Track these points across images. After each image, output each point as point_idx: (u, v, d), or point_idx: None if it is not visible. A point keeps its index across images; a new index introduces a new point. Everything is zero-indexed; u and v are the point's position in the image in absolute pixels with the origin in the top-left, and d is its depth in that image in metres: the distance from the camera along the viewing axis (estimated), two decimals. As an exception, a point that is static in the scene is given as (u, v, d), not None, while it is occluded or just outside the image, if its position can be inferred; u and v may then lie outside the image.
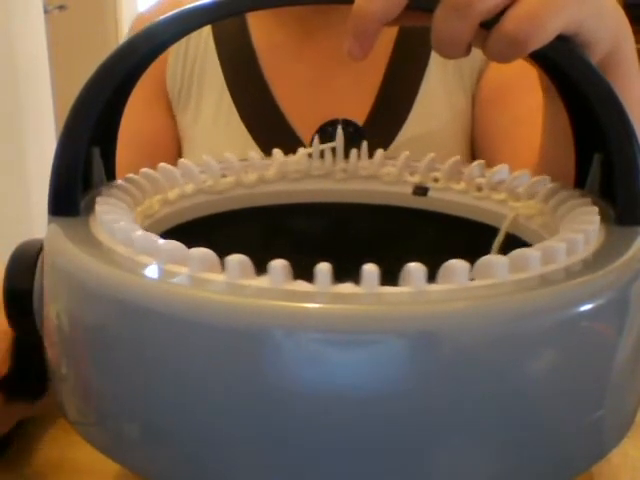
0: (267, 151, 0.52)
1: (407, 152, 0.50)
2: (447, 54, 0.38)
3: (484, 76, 0.73)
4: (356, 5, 0.37)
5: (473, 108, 0.74)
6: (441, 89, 0.73)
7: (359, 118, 0.71)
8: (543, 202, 0.43)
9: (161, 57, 0.74)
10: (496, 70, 0.72)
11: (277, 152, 0.50)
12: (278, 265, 0.29)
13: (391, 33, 0.73)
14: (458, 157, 0.48)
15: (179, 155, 0.80)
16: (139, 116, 0.78)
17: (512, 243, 0.44)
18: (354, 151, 0.51)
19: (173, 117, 0.80)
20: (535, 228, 0.43)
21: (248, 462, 0.30)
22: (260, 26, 0.76)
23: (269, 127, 0.74)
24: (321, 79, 0.74)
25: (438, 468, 0.30)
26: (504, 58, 0.37)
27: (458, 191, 0.48)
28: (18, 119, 2.10)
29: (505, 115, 0.70)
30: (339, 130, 0.50)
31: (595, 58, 0.40)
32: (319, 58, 0.74)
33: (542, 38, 0.36)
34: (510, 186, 0.46)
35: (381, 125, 0.72)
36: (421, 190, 0.46)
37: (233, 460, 0.30)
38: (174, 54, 0.77)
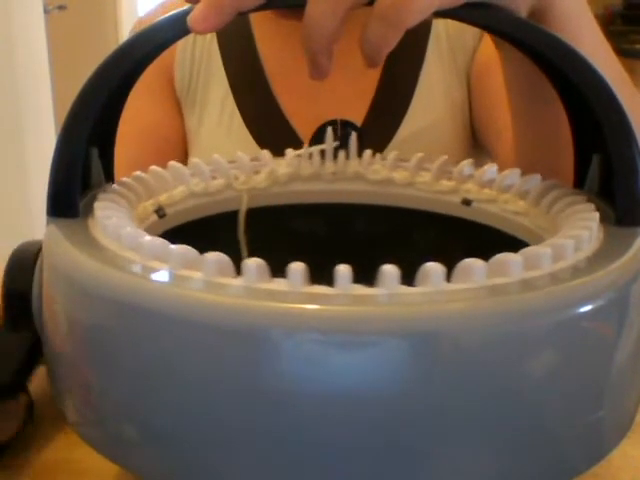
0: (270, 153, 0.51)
1: (395, 152, 0.50)
2: (316, 44, 0.36)
3: (475, 57, 0.72)
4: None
5: (470, 93, 0.74)
6: (439, 83, 0.73)
7: (359, 116, 0.71)
8: (535, 200, 0.43)
9: (168, 54, 0.74)
10: (485, 48, 0.71)
11: (266, 153, 0.50)
12: (297, 268, 0.29)
13: None
14: (446, 156, 0.48)
15: (186, 156, 0.80)
16: (145, 110, 0.77)
17: (498, 240, 0.44)
18: (343, 152, 0.51)
19: (181, 115, 0.79)
20: (527, 225, 0.43)
21: (247, 463, 0.30)
22: (263, 29, 0.75)
23: (272, 130, 0.74)
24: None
25: (439, 468, 0.30)
26: (383, 40, 0.36)
27: (448, 190, 0.48)
28: (18, 119, 2.10)
29: (494, 84, 0.69)
30: (329, 131, 0.49)
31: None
32: None
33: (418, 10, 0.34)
34: (501, 185, 0.46)
35: (380, 122, 0.72)
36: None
37: (232, 461, 0.30)
38: (181, 55, 0.77)
